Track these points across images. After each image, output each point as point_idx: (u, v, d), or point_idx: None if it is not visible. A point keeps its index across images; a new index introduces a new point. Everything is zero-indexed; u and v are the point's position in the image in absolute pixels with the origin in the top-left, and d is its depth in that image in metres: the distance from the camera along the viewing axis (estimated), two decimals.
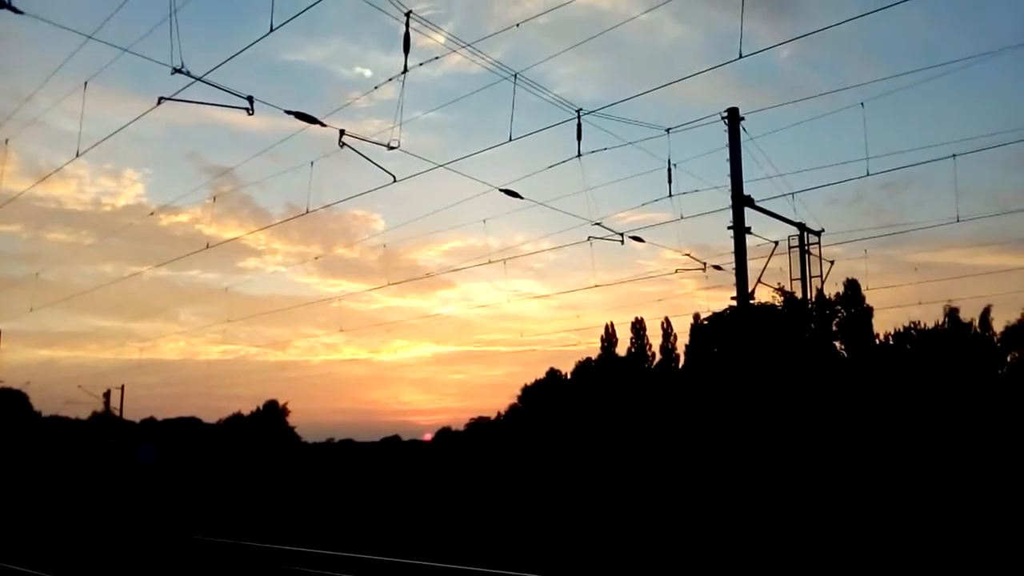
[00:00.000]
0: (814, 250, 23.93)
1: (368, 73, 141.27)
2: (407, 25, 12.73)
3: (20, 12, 10.86)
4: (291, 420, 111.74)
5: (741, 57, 12.67)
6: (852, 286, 55.10)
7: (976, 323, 55.80)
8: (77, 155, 14.92)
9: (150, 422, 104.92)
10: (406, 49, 12.94)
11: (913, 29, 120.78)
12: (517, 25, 15.31)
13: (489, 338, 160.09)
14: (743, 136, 20.19)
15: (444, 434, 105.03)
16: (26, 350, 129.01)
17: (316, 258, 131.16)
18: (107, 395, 69.18)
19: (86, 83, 14.95)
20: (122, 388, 68.60)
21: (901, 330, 55.56)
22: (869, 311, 55.32)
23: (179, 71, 11.33)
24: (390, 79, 14.14)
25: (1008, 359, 54.95)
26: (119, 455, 64.89)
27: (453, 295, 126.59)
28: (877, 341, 55.78)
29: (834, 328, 52.76)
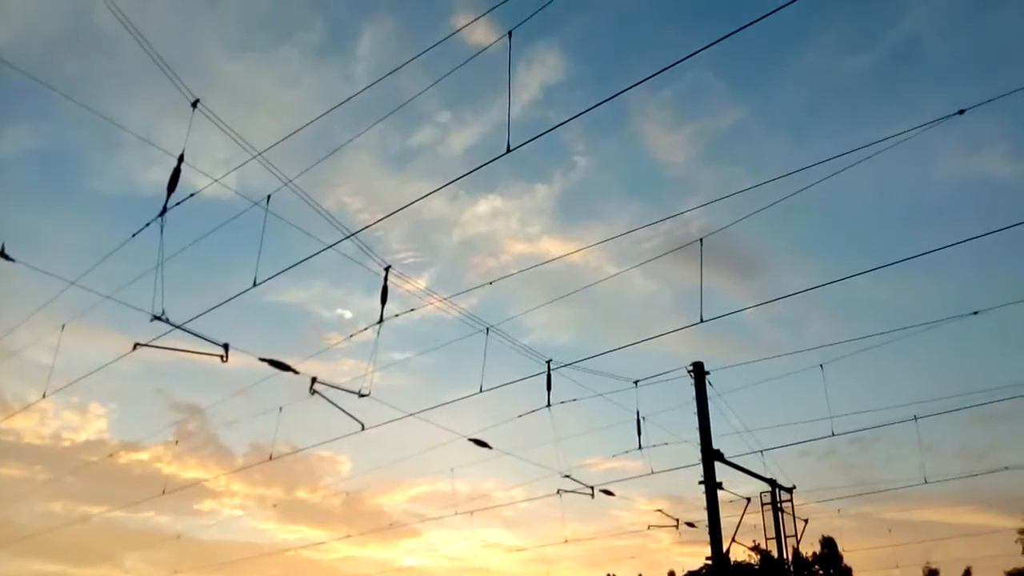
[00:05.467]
0: (787, 507, 23.56)
1: (348, 315, 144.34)
2: (385, 279, 13.37)
3: (11, 259, 11.28)
4: None
5: (703, 321, 13.30)
6: (829, 544, 53.67)
7: None
8: (44, 396, 14.79)
9: None
10: (383, 300, 13.50)
11: (872, 291, 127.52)
12: (491, 283, 16.10)
13: None
14: (711, 390, 20.53)
15: None
16: None
17: (274, 505, 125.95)
18: None
19: (63, 325, 15.17)
20: None
21: None
22: (848, 572, 53.43)
23: (158, 318, 11.59)
24: (366, 327, 14.54)
25: None
26: None
27: (418, 545, 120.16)
28: None
29: None
